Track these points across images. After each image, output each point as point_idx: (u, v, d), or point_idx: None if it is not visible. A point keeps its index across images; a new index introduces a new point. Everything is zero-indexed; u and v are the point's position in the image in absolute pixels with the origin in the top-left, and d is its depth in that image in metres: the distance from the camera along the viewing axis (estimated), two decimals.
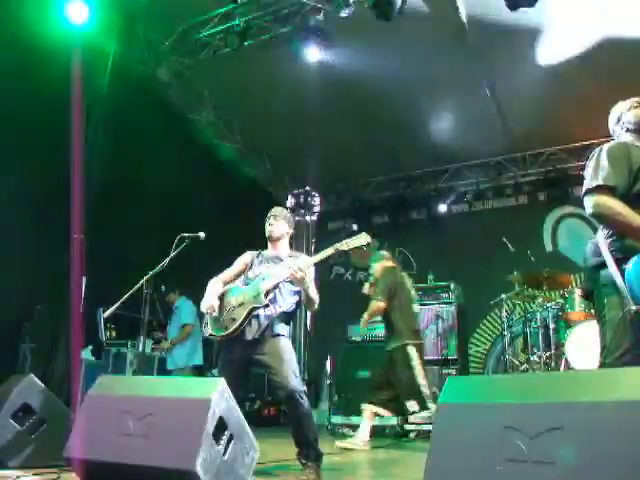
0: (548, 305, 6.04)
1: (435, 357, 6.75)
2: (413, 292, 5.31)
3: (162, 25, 6.26)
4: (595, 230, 2.32)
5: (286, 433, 3.26)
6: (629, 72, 5.91)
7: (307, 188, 10.15)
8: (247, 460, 2.25)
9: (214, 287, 3.25)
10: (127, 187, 5.88)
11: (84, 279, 4.80)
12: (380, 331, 6.00)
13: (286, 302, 3.21)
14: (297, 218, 9.64)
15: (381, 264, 5.23)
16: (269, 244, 3.43)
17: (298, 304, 3.31)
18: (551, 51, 6.10)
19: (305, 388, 3.10)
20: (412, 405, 4.74)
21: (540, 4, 4.90)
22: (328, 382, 7.56)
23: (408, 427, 6.23)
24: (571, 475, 1.41)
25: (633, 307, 1.98)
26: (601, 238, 2.22)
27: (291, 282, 3.14)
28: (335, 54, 6.04)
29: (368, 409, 4.95)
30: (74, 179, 4.78)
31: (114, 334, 6.37)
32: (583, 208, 2.24)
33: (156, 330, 6.42)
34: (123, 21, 5.92)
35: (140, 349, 4.26)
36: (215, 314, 3.13)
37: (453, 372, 6.50)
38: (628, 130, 2.46)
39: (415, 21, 5.55)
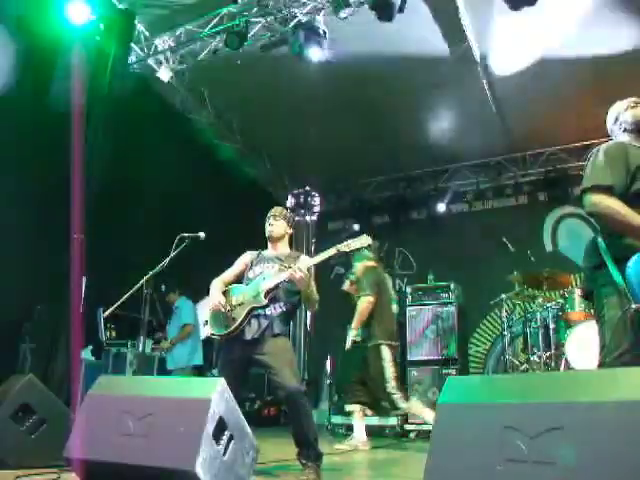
0: (548, 305, 6.04)
1: (435, 357, 6.74)
2: (393, 293, 5.34)
3: (162, 25, 6.26)
4: (595, 230, 2.31)
5: (286, 433, 3.26)
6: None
7: (307, 188, 10.15)
8: (247, 460, 2.24)
9: (217, 287, 3.30)
10: (127, 187, 5.87)
11: (84, 279, 4.79)
12: None
13: (286, 302, 3.22)
14: (297, 218, 9.64)
15: (363, 263, 5.25)
16: (269, 244, 3.44)
17: (298, 304, 3.32)
18: (550, 51, 6.09)
19: (305, 388, 3.10)
20: (386, 404, 4.79)
21: (541, 2, 4.90)
22: (328, 382, 7.56)
23: (408, 427, 6.23)
24: (571, 475, 1.41)
25: (633, 306, 1.98)
26: (600, 238, 2.22)
27: (291, 282, 3.15)
28: (335, 54, 6.04)
29: (356, 409, 4.99)
30: (74, 179, 4.77)
31: (114, 334, 6.38)
32: (583, 208, 2.24)
33: (156, 330, 6.42)
34: (123, 21, 5.92)
35: (140, 349, 4.27)
36: (224, 309, 3.13)
37: (453, 372, 6.48)
38: (625, 130, 2.46)
39: (415, 21, 5.55)
